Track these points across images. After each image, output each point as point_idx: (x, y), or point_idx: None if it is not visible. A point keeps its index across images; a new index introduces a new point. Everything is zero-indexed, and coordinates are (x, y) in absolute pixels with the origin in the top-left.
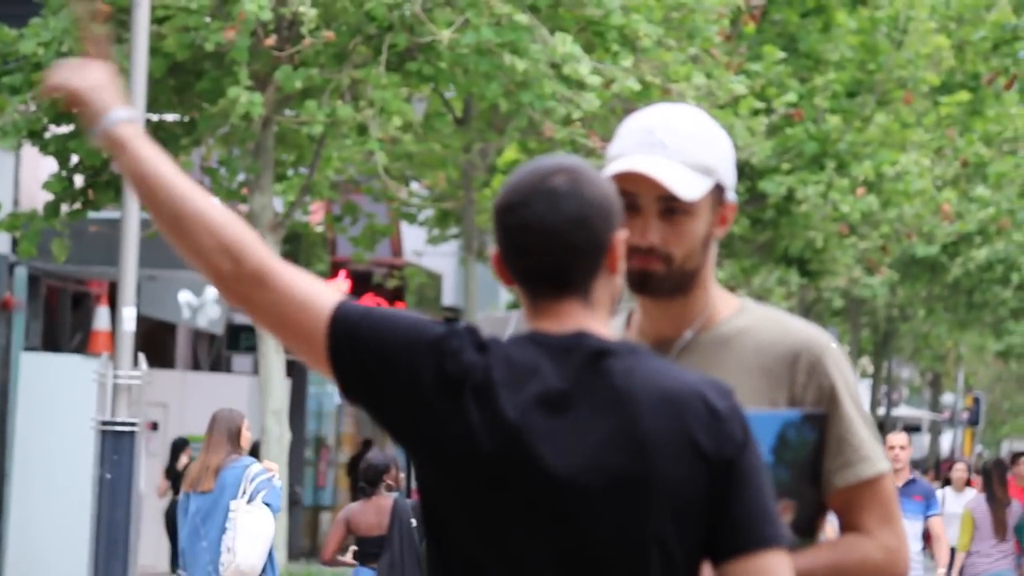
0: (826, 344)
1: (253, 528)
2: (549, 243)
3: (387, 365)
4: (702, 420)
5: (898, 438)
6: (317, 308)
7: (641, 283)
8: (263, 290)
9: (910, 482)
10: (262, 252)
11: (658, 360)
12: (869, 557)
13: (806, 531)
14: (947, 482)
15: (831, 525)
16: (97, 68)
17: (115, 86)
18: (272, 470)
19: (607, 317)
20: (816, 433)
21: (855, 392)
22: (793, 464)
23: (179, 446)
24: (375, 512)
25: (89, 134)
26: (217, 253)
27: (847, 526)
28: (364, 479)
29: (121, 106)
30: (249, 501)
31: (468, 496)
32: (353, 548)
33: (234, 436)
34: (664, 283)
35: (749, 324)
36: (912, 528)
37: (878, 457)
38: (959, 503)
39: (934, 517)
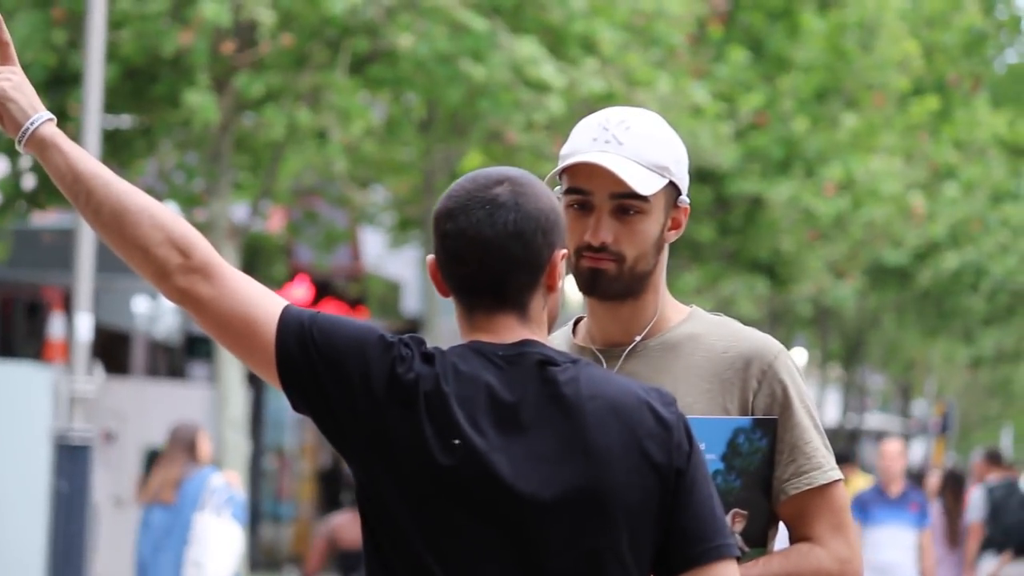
0: (778, 350)
1: (222, 542)
2: (485, 254)
3: (338, 368)
4: (650, 430)
5: (892, 447)
6: (265, 308)
7: (591, 283)
8: (211, 284)
9: (906, 492)
10: (209, 247)
11: (601, 370)
12: (822, 567)
13: (757, 540)
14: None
15: (781, 535)
16: (9, 72)
17: (29, 88)
18: (233, 481)
19: (544, 335)
20: (767, 440)
21: (807, 399)
22: (744, 472)
23: (155, 457)
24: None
25: (15, 139)
26: (166, 246)
27: (798, 535)
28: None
29: (40, 108)
30: (214, 513)
31: (418, 505)
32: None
33: (192, 448)
34: (614, 283)
35: (699, 330)
36: (905, 538)
37: (830, 465)
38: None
39: (928, 530)
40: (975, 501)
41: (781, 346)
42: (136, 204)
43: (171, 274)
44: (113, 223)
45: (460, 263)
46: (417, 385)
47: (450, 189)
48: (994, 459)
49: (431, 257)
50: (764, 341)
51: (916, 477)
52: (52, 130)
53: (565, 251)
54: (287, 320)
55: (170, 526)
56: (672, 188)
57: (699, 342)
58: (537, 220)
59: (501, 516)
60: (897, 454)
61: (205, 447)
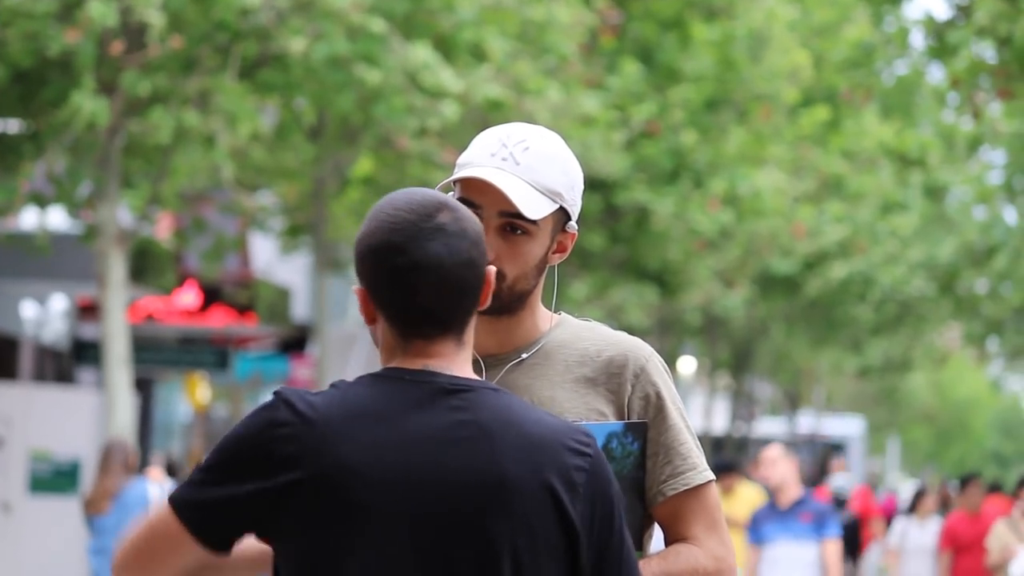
0: (649, 353)
1: None
2: (442, 284)
3: (235, 501)
4: (564, 467)
5: (768, 453)
6: (163, 527)
7: None
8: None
9: (799, 501)
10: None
11: (518, 400)
12: (700, 565)
13: (634, 543)
14: (912, 509)
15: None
16: None
17: None
18: (159, 478)
19: (469, 354)
20: (639, 443)
21: (678, 401)
22: (618, 475)
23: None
24: None
25: None
26: None
27: (674, 536)
28: None
29: None
30: None
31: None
32: None
33: (128, 462)
34: (493, 300)
35: (569, 336)
36: (801, 553)
37: (704, 465)
38: (927, 534)
39: (829, 541)
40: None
41: (651, 349)
42: None
43: None
44: None
45: (413, 295)
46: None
47: (386, 218)
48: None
49: (358, 288)
50: (635, 344)
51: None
52: None
53: (494, 268)
54: (178, 508)
55: (113, 532)
56: (562, 213)
57: (571, 348)
58: (478, 245)
59: (408, 537)
60: (775, 459)
61: (134, 459)
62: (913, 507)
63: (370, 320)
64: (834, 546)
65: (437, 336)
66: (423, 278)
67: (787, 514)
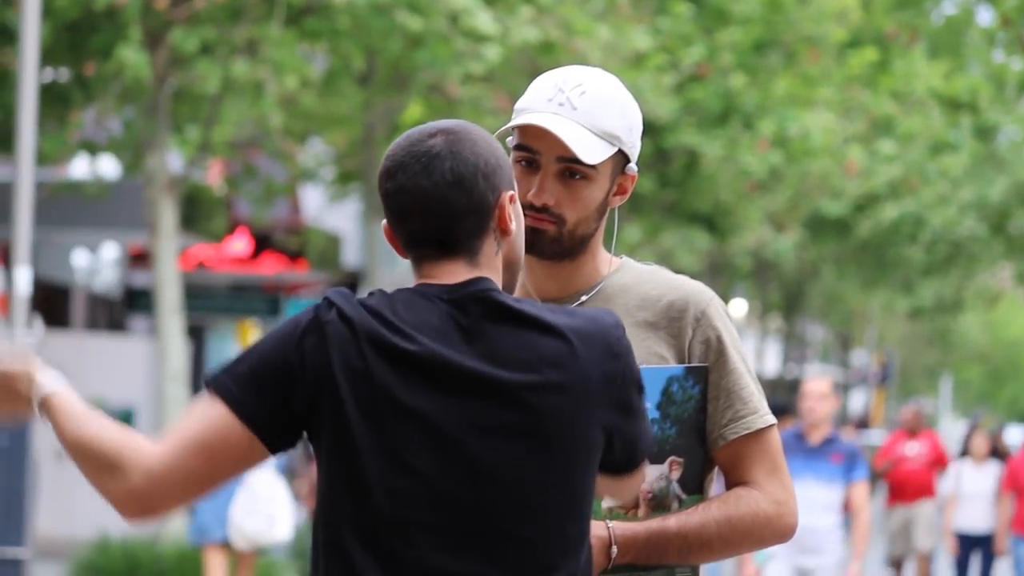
0: (710, 297)
1: (285, 498)
2: (426, 206)
3: (290, 384)
4: (607, 357)
5: (817, 386)
6: (216, 419)
7: (530, 242)
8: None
9: (828, 440)
10: (149, 457)
11: (549, 304)
12: (760, 509)
13: (694, 487)
14: (964, 453)
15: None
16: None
17: (32, 366)
18: None
19: (497, 279)
20: (700, 387)
21: (739, 345)
22: (678, 419)
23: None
24: None
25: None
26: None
27: (735, 480)
28: None
29: (40, 383)
30: (270, 470)
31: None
32: None
33: None
34: (553, 245)
35: (630, 280)
36: (828, 496)
37: (765, 409)
38: (981, 478)
39: (857, 483)
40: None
41: (712, 293)
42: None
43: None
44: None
45: (404, 219)
46: (354, 328)
47: (389, 149)
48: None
49: (384, 222)
50: (696, 288)
51: (860, 425)
52: (50, 405)
53: (512, 193)
54: (229, 400)
55: None
56: (621, 156)
57: (632, 292)
58: (476, 165)
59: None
60: (821, 395)
61: None
62: (964, 450)
63: (400, 252)
64: (863, 489)
65: (443, 259)
66: (407, 201)
67: (816, 452)
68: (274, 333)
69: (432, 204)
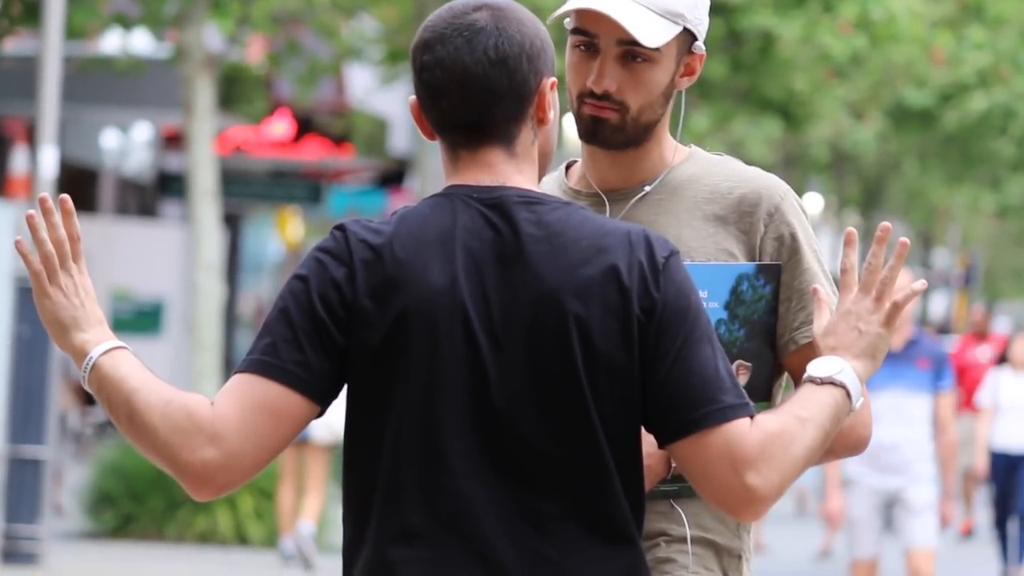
0: (785, 191)
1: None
2: (465, 84)
3: (326, 334)
4: (642, 270)
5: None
6: (278, 398)
7: (592, 131)
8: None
9: (912, 342)
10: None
11: (590, 212)
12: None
13: (763, 394)
14: (1002, 360)
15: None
16: (66, 279)
17: (91, 298)
18: None
19: (533, 171)
20: (771, 287)
21: (815, 243)
22: (747, 321)
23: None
24: None
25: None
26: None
27: None
28: None
29: (99, 337)
30: None
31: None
32: None
33: None
34: (616, 134)
35: (699, 171)
36: (918, 408)
37: None
38: (1023, 388)
39: (946, 393)
40: None
41: (787, 187)
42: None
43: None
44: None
45: (440, 96)
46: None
47: (427, 20)
48: None
49: (413, 97)
50: (770, 181)
51: (941, 331)
52: (103, 367)
53: (554, 80)
54: (289, 375)
55: None
56: (686, 34)
57: (701, 183)
58: (521, 45)
59: (481, 359)
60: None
61: None
62: (1003, 356)
63: (427, 133)
64: (950, 400)
65: (480, 144)
66: (444, 77)
67: (900, 358)
68: (287, 293)
69: (471, 82)
